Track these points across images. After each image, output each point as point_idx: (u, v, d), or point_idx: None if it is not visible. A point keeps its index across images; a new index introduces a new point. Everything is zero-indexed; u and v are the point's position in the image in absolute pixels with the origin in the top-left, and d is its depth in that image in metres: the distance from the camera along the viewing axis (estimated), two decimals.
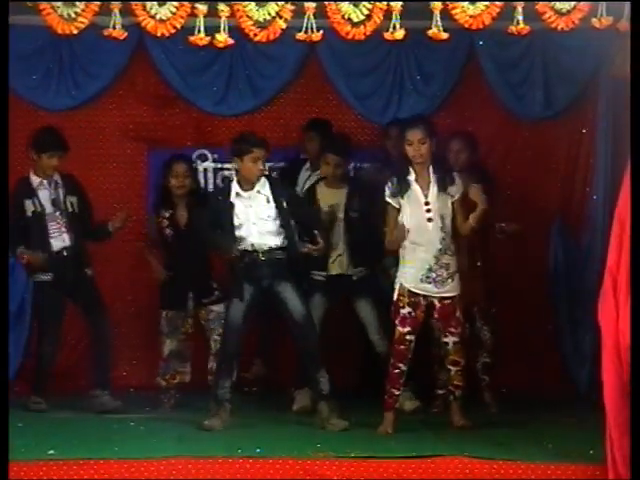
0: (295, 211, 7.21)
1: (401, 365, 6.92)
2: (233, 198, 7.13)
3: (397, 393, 6.96)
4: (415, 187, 6.90)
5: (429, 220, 6.86)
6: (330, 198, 7.61)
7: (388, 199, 6.95)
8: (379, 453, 6.21)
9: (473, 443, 6.49)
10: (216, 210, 7.18)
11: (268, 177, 7.26)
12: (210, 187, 8.45)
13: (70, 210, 7.63)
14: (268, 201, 7.12)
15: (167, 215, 7.69)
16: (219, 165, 8.46)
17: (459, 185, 6.92)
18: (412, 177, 6.91)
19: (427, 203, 6.86)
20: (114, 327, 7.98)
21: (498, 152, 8.18)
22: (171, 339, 7.71)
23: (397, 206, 6.92)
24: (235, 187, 7.16)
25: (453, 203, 6.91)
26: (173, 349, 7.72)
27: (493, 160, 8.11)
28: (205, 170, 8.47)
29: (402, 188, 6.89)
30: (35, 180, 7.60)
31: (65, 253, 7.61)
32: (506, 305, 7.88)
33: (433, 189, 6.89)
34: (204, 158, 8.43)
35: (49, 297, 7.55)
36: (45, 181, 7.59)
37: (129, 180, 8.40)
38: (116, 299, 8.20)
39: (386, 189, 6.96)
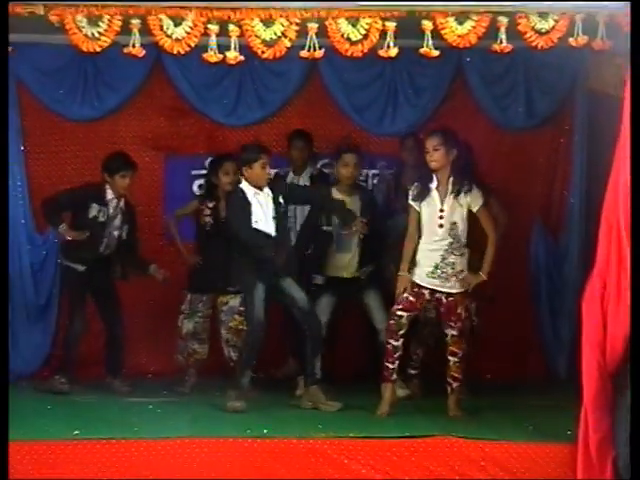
0: (296, 200, 7.36)
1: (392, 340, 6.88)
2: (251, 198, 7.14)
3: (391, 367, 6.91)
4: (434, 194, 6.89)
5: (440, 226, 6.86)
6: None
7: (411, 202, 6.97)
8: (375, 433, 6.25)
9: (462, 424, 6.55)
10: (241, 210, 7.13)
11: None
12: None
13: (116, 234, 7.68)
14: (274, 200, 7.16)
15: (210, 205, 7.75)
16: None
17: (477, 197, 6.88)
18: (434, 184, 6.90)
19: (442, 210, 6.86)
20: (136, 319, 8.02)
21: (483, 159, 8.19)
22: (189, 319, 7.77)
23: (418, 209, 6.93)
24: (249, 189, 7.15)
25: (473, 213, 6.88)
26: (190, 329, 7.77)
27: (478, 167, 8.12)
28: None
29: (423, 193, 6.89)
30: (109, 194, 7.64)
31: (107, 252, 7.67)
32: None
33: (449, 197, 6.87)
34: None
35: (80, 285, 7.60)
36: (115, 200, 7.65)
37: (147, 184, 8.40)
38: (138, 293, 8.20)
39: (410, 193, 6.98)
